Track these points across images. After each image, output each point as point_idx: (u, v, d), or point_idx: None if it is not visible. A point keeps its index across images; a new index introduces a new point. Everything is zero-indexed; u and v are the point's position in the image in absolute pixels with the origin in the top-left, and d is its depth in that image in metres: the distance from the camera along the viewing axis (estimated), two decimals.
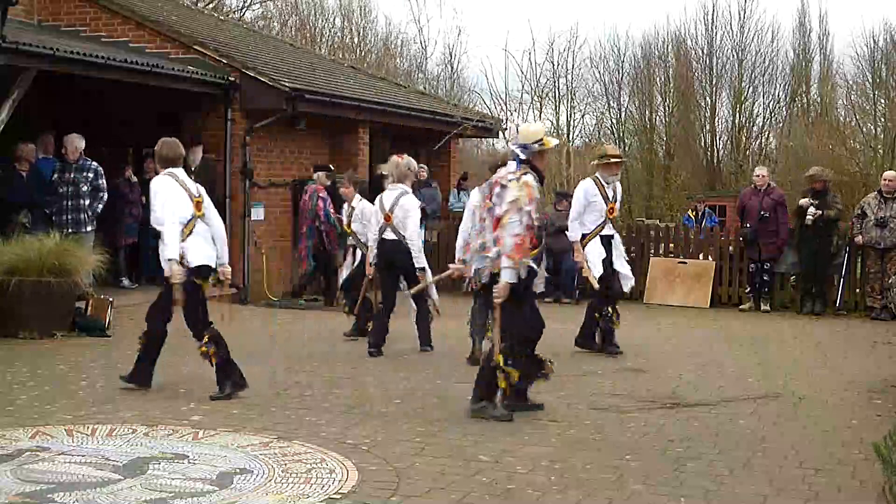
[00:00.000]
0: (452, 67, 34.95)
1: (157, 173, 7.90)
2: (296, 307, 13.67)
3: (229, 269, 7.85)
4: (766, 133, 39.39)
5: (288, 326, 11.07)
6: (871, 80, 35.93)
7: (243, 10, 32.30)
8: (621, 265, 9.87)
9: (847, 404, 7.82)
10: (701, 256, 15.02)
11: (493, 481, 5.45)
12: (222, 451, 5.92)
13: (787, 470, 5.82)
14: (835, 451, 6.27)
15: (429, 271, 9.77)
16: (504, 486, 5.38)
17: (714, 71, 38.70)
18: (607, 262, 9.69)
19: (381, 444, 6.15)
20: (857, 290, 14.03)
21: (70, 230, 11.73)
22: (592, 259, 9.64)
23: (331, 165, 14.75)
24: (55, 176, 12.09)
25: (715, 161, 38.62)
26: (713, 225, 19.45)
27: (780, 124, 38.58)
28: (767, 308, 14.01)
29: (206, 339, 7.49)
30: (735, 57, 38.69)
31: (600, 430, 6.72)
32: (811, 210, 13.58)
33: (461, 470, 5.64)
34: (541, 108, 23.63)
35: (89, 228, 12.14)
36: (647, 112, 39.22)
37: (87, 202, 12.07)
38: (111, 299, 10.86)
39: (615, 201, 9.86)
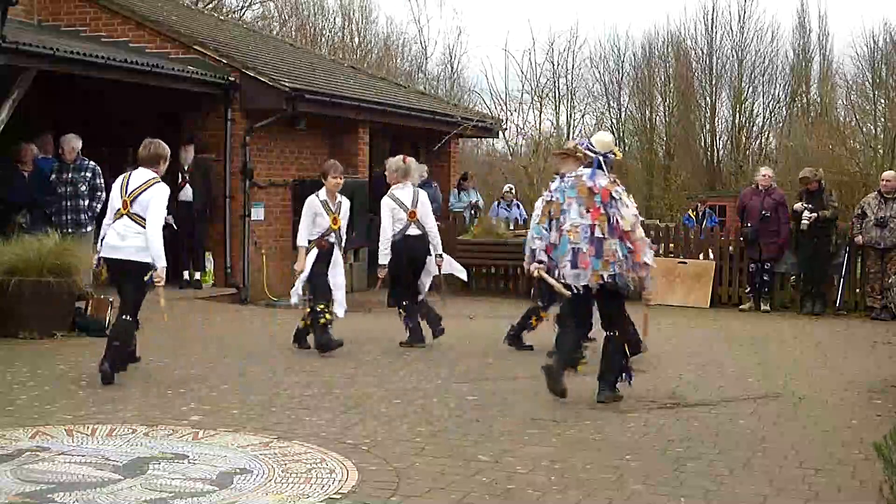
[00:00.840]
0: (452, 67, 34.99)
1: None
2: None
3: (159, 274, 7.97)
4: (766, 133, 39.42)
5: (288, 326, 11.05)
6: (871, 80, 35.94)
7: (243, 10, 32.32)
8: None
9: (847, 404, 7.82)
10: (702, 256, 15.01)
11: (493, 481, 5.44)
12: (222, 451, 5.92)
13: (787, 470, 5.81)
14: (835, 451, 6.27)
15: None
16: (504, 486, 5.38)
17: (714, 71, 38.73)
18: None
19: (381, 444, 6.15)
20: (857, 290, 14.02)
21: (70, 230, 11.73)
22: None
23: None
24: (53, 176, 12.09)
25: (715, 161, 38.63)
26: (713, 225, 19.46)
27: (780, 124, 38.60)
28: (767, 308, 14.01)
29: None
30: (735, 57, 38.72)
31: (600, 430, 6.72)
32: (806, 214, 13.59)
33: (461, 470, 5.64)
34: (541, 108, 23.57)
35: (89, 228, 12.13)
36: (647, 112, 39.23)
37: (86, 202, 12.07)
38: (111, 299, 10.84)
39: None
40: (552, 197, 7.58)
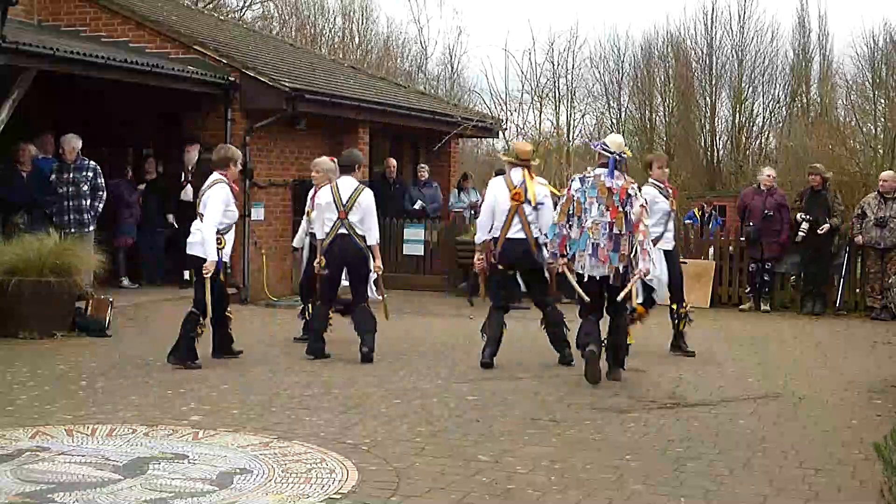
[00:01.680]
0: (452, 67, 34.95)
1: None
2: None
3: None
4: (766, 133, 39.39)
5: (288, 326, 11.06)
6: (871, 80, 35.92)
7: (243, 10, 32.29)
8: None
9: (847, 404, 7.82)
10: (702, 257, 15.01)
11: (493, 481, 5.45)
12: (222, 451, 5.92)
13: (787, 470, 5.82)
14: (835, 451, 6.27)
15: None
16: (504, 486, 5.38)
17: (714, 71, 38.69)
18: None
19: (381, 444, 6.15)
20: (857, 290, 14.02)
21: (73, 230, 11.74)
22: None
23: None
24: (53, 177, 12.09)
25: (715, 161, 38.61)
26: (718, 226, 19.47)
27: (780, 124, 38.57)
28: (767, 308, 14.00)
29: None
30: (735, 57, 38.69)
31: (600, 430, 6.73)
32: (804, 226, 13.57)
33: (461, 470, 5.64)
34: (541, 108, 23.55)
35: (91, 228, 12.15)
36: (647, 112, 39.21)
37: (88, 202, 12.07)
38: (111, 299, 10.87)
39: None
40: (574, 196, 8.32)
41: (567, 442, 6.37)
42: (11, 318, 9.94)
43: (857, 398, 8.05)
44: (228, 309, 9.20)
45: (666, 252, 9.70)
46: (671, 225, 9.86)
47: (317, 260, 9.39)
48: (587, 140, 32.07)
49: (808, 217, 13.62)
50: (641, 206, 8.27)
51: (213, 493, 5.14)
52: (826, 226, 13.57)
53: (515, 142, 9.67)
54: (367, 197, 9.22)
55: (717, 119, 38.84)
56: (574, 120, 38.62)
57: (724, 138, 39.05)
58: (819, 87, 38.24)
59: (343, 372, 8.69)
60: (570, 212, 8.32)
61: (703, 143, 38.76)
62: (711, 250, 15.08)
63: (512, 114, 20.49)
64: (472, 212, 18.05)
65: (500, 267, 9.09)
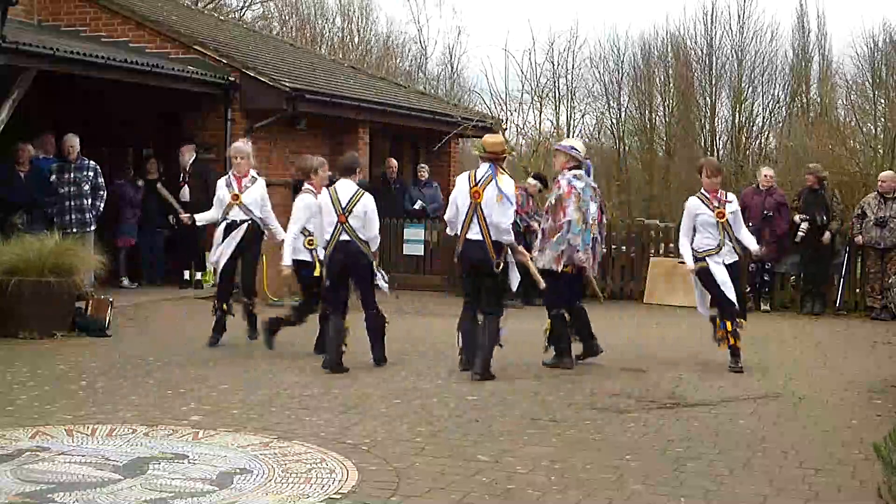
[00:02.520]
0: (452, 67, 34.97)
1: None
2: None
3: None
4: (766, 133, 39.37)
5: (287, 326, 11.05)
6: (870, 80, 35.92)
7: (243, 10, 32.29)
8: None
9: (847, 404, 7.82)
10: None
11: (493, 481, 5.45)
12: (222, 451, 5.92)
13: (787, 470, 5.82)
14: (835, 451, 6.27)
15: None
16: (504, 486, 5.38)
17: (714, 71, 38.69)
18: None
19: (381, 444, 6.15)
20: (857, 290, 14.02)
21: (75, 230, 11.73)
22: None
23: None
24: (53, 177, 12.09)
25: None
26: None
27: (780, 124, 38.56)
28: (767, 308, 14.00)
29: None
30: (735, 57, 38.68)
31: (600, 430, 6.73)
32: (803, 226, 13.57)
33: (461, 470, 5.64)
34: (541, 108, 23.56)
35: (92, 227, 12.16)
36: (646, 112, 39.18)
37: (90, 201, 12.08)
38: (111, 299, 10.87)
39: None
40: (581, 195, 8.80)
41: (567, 442, 6.37)
42: (11, 318, 9.94)
43: (857, 398, 8.05)
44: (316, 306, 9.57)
45: (728, 265, 9.19)
46: (726, 237, 9.18)
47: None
48: (587, 140, 32.10)
49: (806, 217, 13.62)
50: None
51: (213, 493, 5.14)
52: (827, 234, 13.57)
53: (486, 135, 8.99)
54: (369, 202, 8.88)
55: (717, 119, 38.84)
56: (574, 120, 38.61)
57: (724, 138, 39.04)
58: (819, 88, 38.25)
59: (342, 372, 8.68)
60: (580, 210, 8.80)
61: (703, 144, 38.74)
62: None
63: (512, 114, 20.50)
64: None
65: (460, 267, 8.72)
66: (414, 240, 16.02)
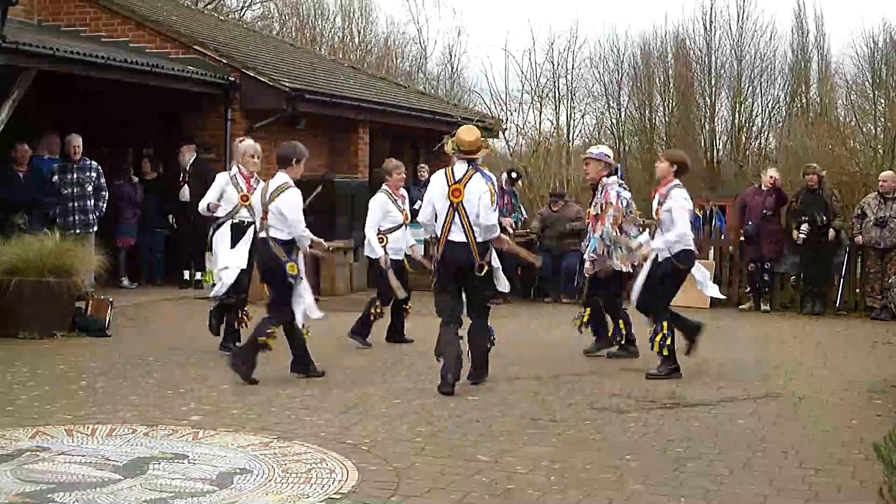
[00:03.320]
0: (452, 67, 34.95)
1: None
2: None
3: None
4: (766, 133, 39.39)
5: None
6: (870, 80, 35.92)
7: (243, 10, 32.29)
8: None
9: (847, 404, 7.82)
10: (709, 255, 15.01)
11: (493, 481, 5.45)
12: (222, 451, 5.92)
13: (787, 470, 5.82)
14: (835, 451, 6.27)
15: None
16: (504, 486, 5.38)
17: (713, 71, 38.71)
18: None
19: (381, 444, 6.15)
20: (857, 290, 14.01)
21: (78, 230, 11.73)
22: None
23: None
24: (56, 177, 12.08)
25: (715, 161, 38.61)
26: (721, 225, 19.46)
27: (780, 124, 38.57)
28: (767, 308, 13.99)
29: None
30: (734, 57, 38.69)
31: (600, 430, 6.73)
32: (803, 228, 13.56)
33: (461, 470, 5.64)
34: (541, 108, 23.55)
35: (95, 228, 12.16)
36: (646, 112, 39.19)
37: (93, 202, 12.08)
38: (111, 299, 10.86)
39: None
40: (626, 203, 9.35)
41: (567, 442, 6.37)
42: (11, 318, 9.94)
43: (857, 398, 8.05)
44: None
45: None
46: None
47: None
48: (587, 140, 32.10)
49: (805, 218, 13.62)
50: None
51: (213, 493, 5.14)
52: (832, 231, 13.57)
53: (458, 129, 8.18)
54: (288, 197, 8.10)
55: (716, 119, 38.85)
56: (574, 120, 38.62)
57: (724, 138, 39.05)
58: (818, 88, 38.26)
59: (343, 372, 8.68)
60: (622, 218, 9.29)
61: (702, 144, 38.76)
62: (711, 250, 15.08)
63: (512, 114, 20.51)
64: None
65: (441, 273, 7.98)
66: (414, 240, 15.97)
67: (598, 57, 39.81)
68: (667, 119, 39.05)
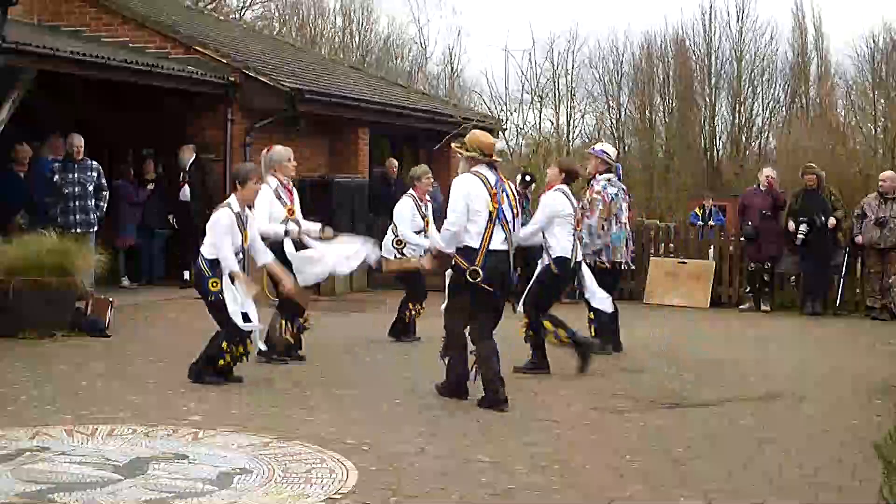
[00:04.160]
0: (452, 67, 34.98)
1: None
2: None
3: None
4: (766, 133, 39.42)
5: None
6: (870, 80, 35.94)
7: (243, 10, 32.32)
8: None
9: (847, 404, 7.82)
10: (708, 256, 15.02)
11: (493, 481, 5.44)
12: (222, 451, 5.92)
13: (787, 470, 5.82)
14: (835, 451, 6.27)
15: None
16: (504, 486, 5.38)
17: (713, 71, 38.74)
18: None
19: (381, 444, 6.15)
20: (857, 290, 14.01)
21: (79, 230, 11.73)
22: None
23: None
24: (57, 177, 12.08)
25: (715, 161, 38.64)
26: (721, 224, 19.47)
27: (780, 124, 38.59)
28: (767, 308, 14.00)
29: None
30: (734, 57, 38.72)
31: (600, 430, 6.73)
32: (802, 228, 13.56)
33: (461, 470, 5.64)
34: (541, 109, 23.58)
35: (96, 228, 12.16)
36: (646, 112, 39.23)
37: (94, 201, 12.08)
38: (111, 299, 10.86)
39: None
40: (613, 200, 9.61)
41: (567, 442, 6.37)
42: (11, 318, 9.93)
43: (857, 398, 8.05)
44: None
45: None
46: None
47: None
48: (587, 140, 32.10)
49: (804, 219, 13.61)
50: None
51: (213, 493, 5.13)
52: (832, 219, 13.57)
53: (476, 133, 7.77)
54: (213, 217, 7.99)
55: (716, 119, 38.89)
56: (574, 120, 38.65)
57: (724, 138, 39.09)
58: (818, 88, 38.27)
59: (342, 372, 8.69)
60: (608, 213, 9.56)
61: (703, 144, 38.78)
62: (711, 250, 15.09)
63: (512, 114, 20.51)
64: None
65: (480, 285, 7.31)
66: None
67: (597, 57, 39.89)
68: (667, 119, 39.08)
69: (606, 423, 6.91)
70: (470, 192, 7.37)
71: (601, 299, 9.14)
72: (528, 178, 14.80)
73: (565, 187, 8.75)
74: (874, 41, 36.33)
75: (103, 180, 12.30)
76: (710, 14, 39.02)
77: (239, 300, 7.89)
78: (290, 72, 15.60)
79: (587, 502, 5.16)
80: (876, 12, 53.30)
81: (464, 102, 25.44)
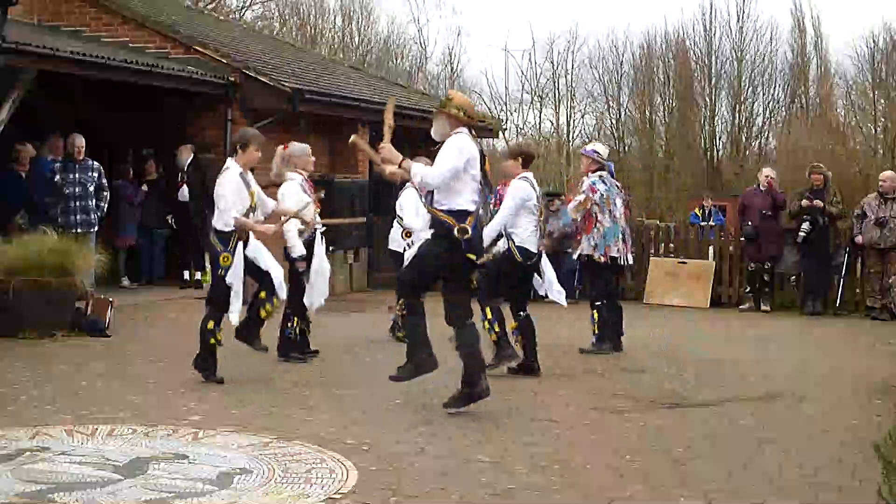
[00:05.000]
0: (452, 67, 35.00)
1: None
2: None
3: None
4: (766, 133, 39.41)
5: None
6: (870, 80, 35.93)
7: (243, 10, 32.32)
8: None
9: (847, 404, 7.82)
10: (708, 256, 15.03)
11: (493, 481, 5.44)
12: (222, 451, 5.92)
13: (787, 470, 5.82)
14: (835, 451, 6.27)
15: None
16: (504, 486, 5.38)
17: (713, 71, 38.72)
18: None
19: (381, 444, 6.15)
20: (857, 290, 14.02)
21: (80, 230, 11.73)
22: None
23: None
24: (57, 177, 12.07)
25: (715, 161, 38.62)
26: (720, 223, 19.47)
27: (780, 124, 38.58)
28: (767, 308, 14.00)
29: None
30: (734, 57, 38.70)
31: (600, 430, 6.73)
32: (804, 226, 13.57)
33: (461, 470, 5.64)
34: (541, 109, 23.63)
35: (96, 228, 12.17)
36: (646, 112, 39.20)
37: (94, 202, 12.08)
38: (111, 299, 10.86)
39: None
40: (604, 195, 9.72)
41: (567, 442, 6.37)
42: (11, 318, 9.94)
43: (857, 398, 8.05)
44: None
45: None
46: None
47: None
48: (587, 140, 32.11)
49: (807, 217, 13.62)
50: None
51: (213, 493, 5.14)
52: (833, 208, 13.58)
53: (460, 94, 7.89)
54: (219, 180, 8.01)
55: (716, 119, 38.87)
56: (574, 120, 38.64)
57: (724, 138, 39.07)
58: (818, 88, 38.26)
59: (342, 372, 8.69)
60: (598, 208, 9.68)
61: (702, 144, 38.76)
62: (711, 250, 15.10)
63: (512, 114, 20.53)
64: None
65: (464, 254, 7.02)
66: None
67: (597, 57, 39.87)
68: (666, 119, 39.06)
69: (606, 423, 6.91)
70: (471, 158, 7.01)
71: (558, 292, 8.87)
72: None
73: (530, 175, 8.72)
74: (874, 41, 36.31)
75: (104, 180, 12.31)
76: (711, 14, 38.99)
77: (241, 276, 8.05)
78: (291, 72, 15.59)
79: (587, 502, 5.16)
80: (876, 12, 53.29)
81: None
